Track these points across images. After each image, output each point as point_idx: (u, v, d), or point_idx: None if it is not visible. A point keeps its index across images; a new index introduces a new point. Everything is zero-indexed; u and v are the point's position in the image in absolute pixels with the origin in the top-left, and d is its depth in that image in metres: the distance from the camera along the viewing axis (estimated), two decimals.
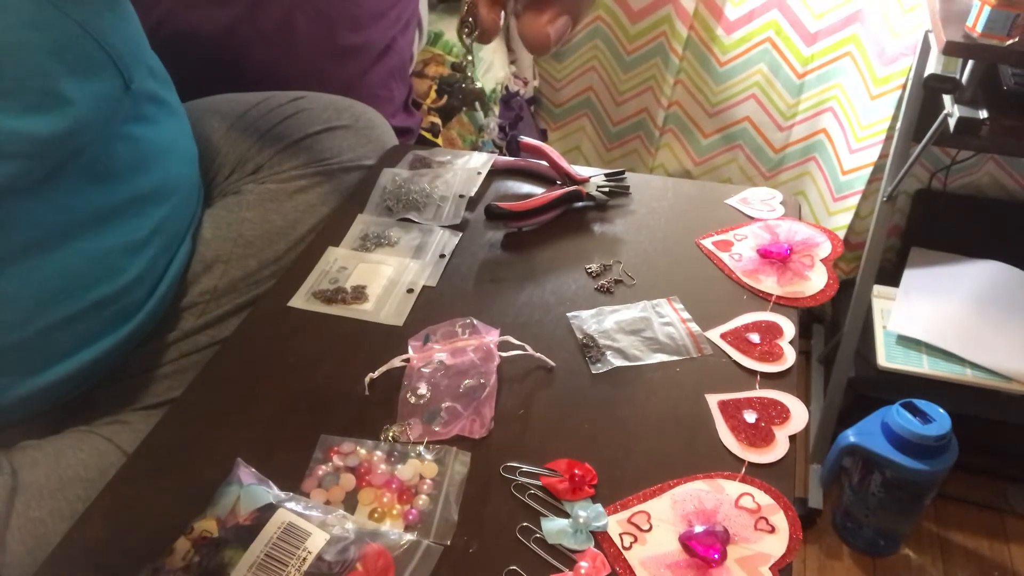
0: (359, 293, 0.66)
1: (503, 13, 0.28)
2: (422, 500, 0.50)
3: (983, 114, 1.05)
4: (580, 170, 0.78)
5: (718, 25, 1.56)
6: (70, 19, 0.56)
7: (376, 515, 0.49)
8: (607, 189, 0.76)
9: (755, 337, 0.61)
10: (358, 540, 0.47)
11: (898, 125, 1.24)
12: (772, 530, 0.47)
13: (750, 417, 0.54)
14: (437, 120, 1.23)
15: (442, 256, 0.70)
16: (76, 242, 0.61)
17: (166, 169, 0.70)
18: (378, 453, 0.53)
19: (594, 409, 0.56)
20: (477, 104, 1.06)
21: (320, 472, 0.52)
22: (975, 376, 1.34)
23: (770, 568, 0.46)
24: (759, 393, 0.56)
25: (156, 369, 0.70)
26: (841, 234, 1.57)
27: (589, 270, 0.69)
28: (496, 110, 1.44)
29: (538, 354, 0.59)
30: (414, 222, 0.75)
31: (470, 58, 0.29)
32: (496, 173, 0.81)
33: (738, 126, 1.67)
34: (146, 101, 0.68)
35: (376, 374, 0.58)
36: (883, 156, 1.45)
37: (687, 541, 0.47)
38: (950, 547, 1.43)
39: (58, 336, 0.62)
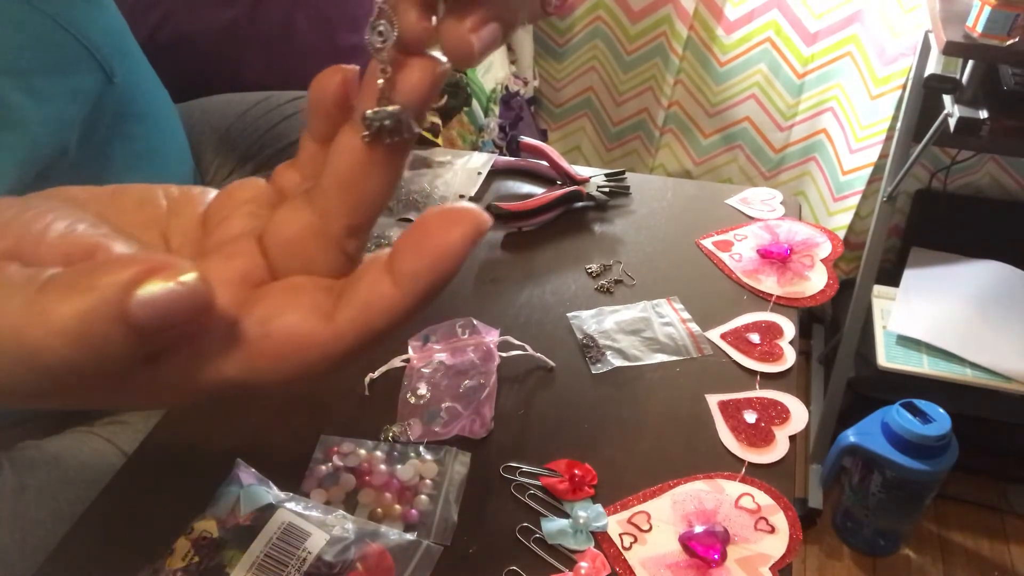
0: None
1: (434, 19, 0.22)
2: (422, 500, 0.50)
3: (983, 114, 1.05)
4: (580, 170, 0.78)
5: (718, 25, 1.56)
6: (41, 13, 0.54)
7: (376, 515, 0.49)
8: (607, 189, 0.76)
9: (755, 337, 0.61)
10: (358, 540, 0.47)
11: (898, 125, 1.24)
12: (772, 530, 0.47)
13: (750, 417, 0.54)
14: (437, 120, 1.23)
15: None
16: None
17: (159, 168, 0.70)
18: (378, 453, 0.53)
19: (594, 409, 0.56)
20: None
21: (320, 472, 0.52)
22: (975, 376, 1.34)
23: (770, 568, 0.45)
24: (759, 393, 0.56)
25: None
26: (841, 234, 1.57)
27: (589, 270, 0.69)
28: (496, 110, 1.44)
29: (538, 354, 0.59)
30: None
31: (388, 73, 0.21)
32: (496, 173, 0.81)
33: (738, 126, 1.67)
34: (137, 98, 0.67)
35: (376, 374, 0.58)
36: (883, 156, 1.45)
37: (687, 541, 0.47)
38: (950, 547, 1.42)
39: None
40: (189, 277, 0.17)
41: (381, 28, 0.21)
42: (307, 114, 0.24)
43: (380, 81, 0.21)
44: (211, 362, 0.20)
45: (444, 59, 0.22)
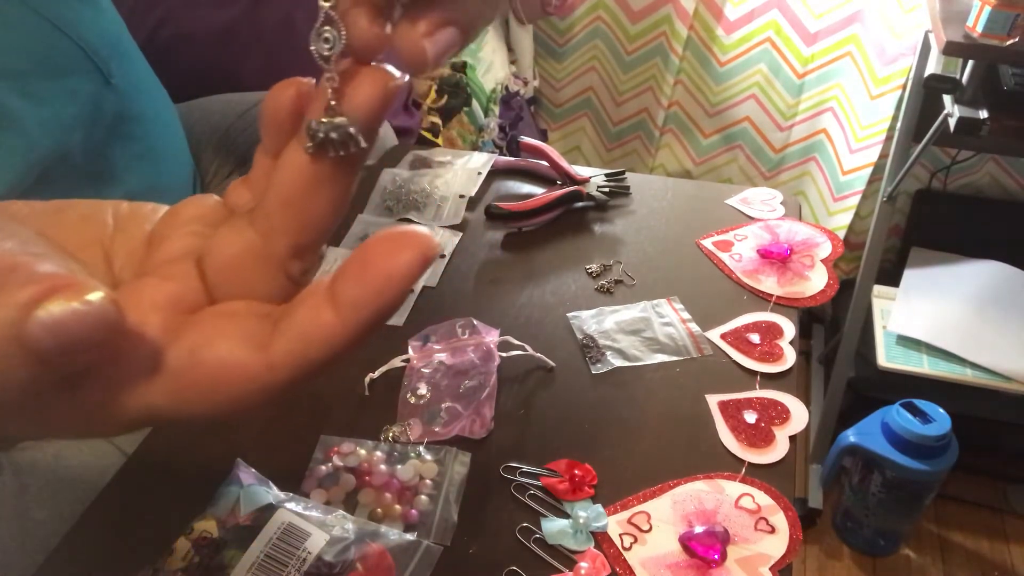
0: None
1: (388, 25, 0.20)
2: (422, 500, 0.50)
3: (983, 114, 1.05)
4: (580, 170, 0.78)
5: (718, 25, 1.56)
6: (38, 15, 0.55)
7: (376, 515, 0.49)
8: (607, 189, 0.76)
9: (755, 337, 0.61)
10: (358, 540, 0.47)
11: (898, 125, 1.24)
12: (772, 530, 0.47)
13: (750, 417, 0.54)
14: (437, 120, 1.23)
15: (442, 256, 0.70)
16: None
17: (159, 169, 0.70)
18: (378, 453, 0.53)
19: (594, 409, 0.56)
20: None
21: (320, 472, 0.52)
22: (975, 376, 1.34)
23: (770, 568, 0.45)
24: (759, 393, 0.56)
25: None
26: (841, 234, 1.57)
27: (589, 270, 0.69)
28: (496, 110, 1.44)
29: (538, 354, 0.59)
30: (414, 222, 0.75)
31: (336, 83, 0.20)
32: (496, 173, 0.81)
33: (738, 126, 1.67)
34: (135, 99, 0.67)
35: (376, 374, 0.58)
36: (883, 156, 1.45)
37: (687, 541, 0.47)
38: (950, 547, 1.42)
39: None
40: (95, 297, 0.16)
41: (327, 35, 0.20)
42: (260, 127, 0.22)
43: (329, 91, 0.20)
44: (136, 390, 0.18)
45: (397, 72, 0.20)
